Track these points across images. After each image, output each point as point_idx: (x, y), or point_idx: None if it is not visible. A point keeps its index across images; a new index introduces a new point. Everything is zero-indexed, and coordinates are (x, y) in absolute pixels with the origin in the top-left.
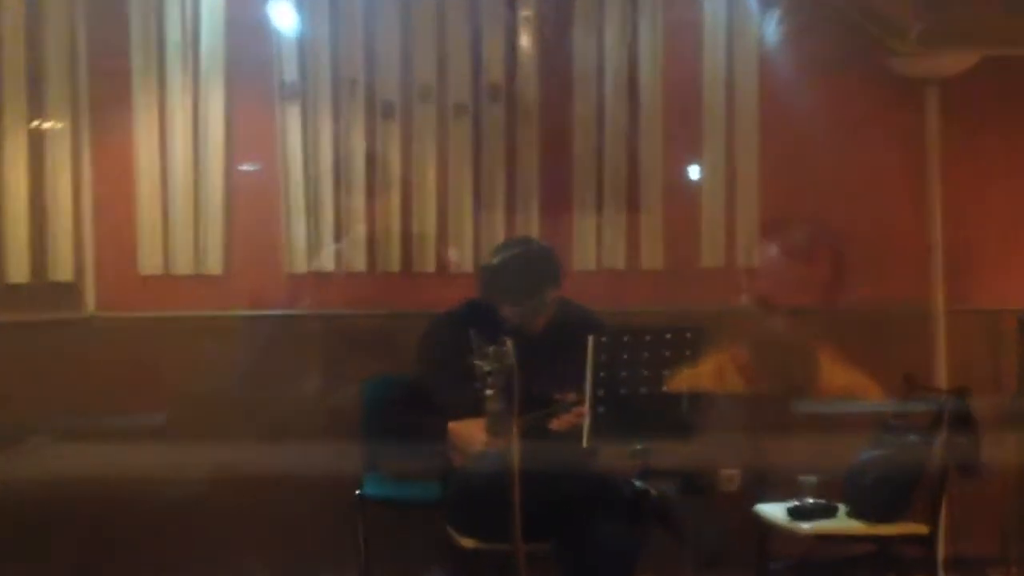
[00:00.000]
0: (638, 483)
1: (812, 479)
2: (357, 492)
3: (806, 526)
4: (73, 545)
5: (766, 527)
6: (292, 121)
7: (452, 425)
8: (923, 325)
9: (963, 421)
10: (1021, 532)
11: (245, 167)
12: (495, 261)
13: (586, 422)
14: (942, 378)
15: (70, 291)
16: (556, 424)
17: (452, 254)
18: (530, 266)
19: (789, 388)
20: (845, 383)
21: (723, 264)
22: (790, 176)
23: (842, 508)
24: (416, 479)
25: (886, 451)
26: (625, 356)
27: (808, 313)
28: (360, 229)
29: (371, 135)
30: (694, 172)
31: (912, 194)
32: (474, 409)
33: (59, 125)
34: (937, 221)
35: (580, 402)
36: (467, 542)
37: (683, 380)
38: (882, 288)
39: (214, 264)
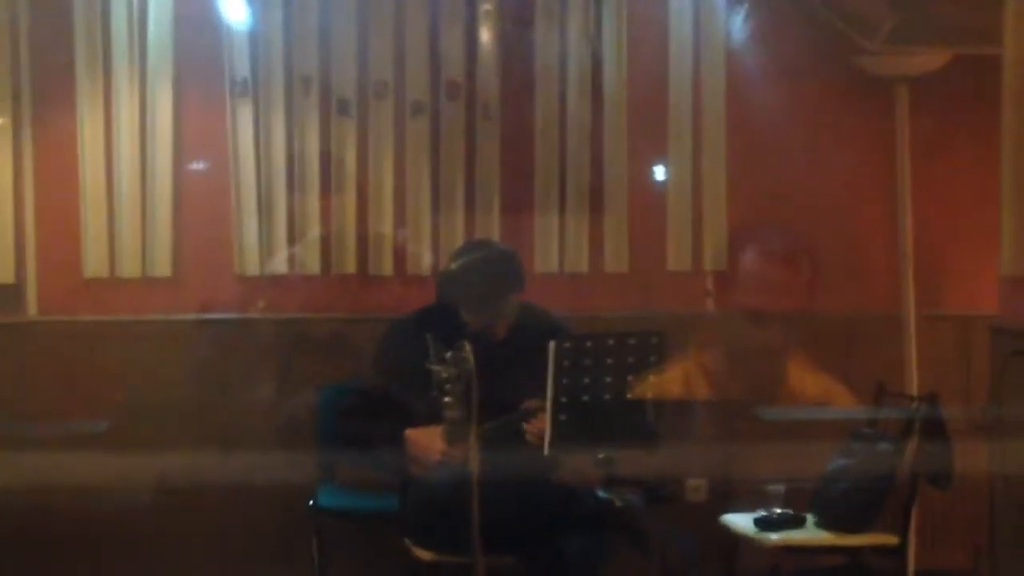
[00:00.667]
0: (602, 493)
1: (780, 488)
2: (311, 502)
3: (774, 537)
4: (9, 556)
5: (733, 538)
6: (244, 118)
7: (409, 433)
8: (894, 331)
9: (934, 429)
10: (992, 543)
11: (195, 166)
12: (455, 266)
13: (547, 430)
14: (913, 385)
15: (11, 294)
16: (529, 429)
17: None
18: (492, 271)
19: (757, 395)
20: (815, 390)
21: (690, 268)
22: (758, 177)
23: (810, 518)
24: (372, 489)
25: (856, 460)
26: (588, 362)
27: (778, 319)
28: (314, 230)
29: (326, 133)
30: (659, 172)
31: (882, 196)
32: (432, 417)
33: None
34: (908, 224)
35: (542, 409)
36: (425, 555)
37: (648, 386)
38: (852, 293)
39: (162, 266)
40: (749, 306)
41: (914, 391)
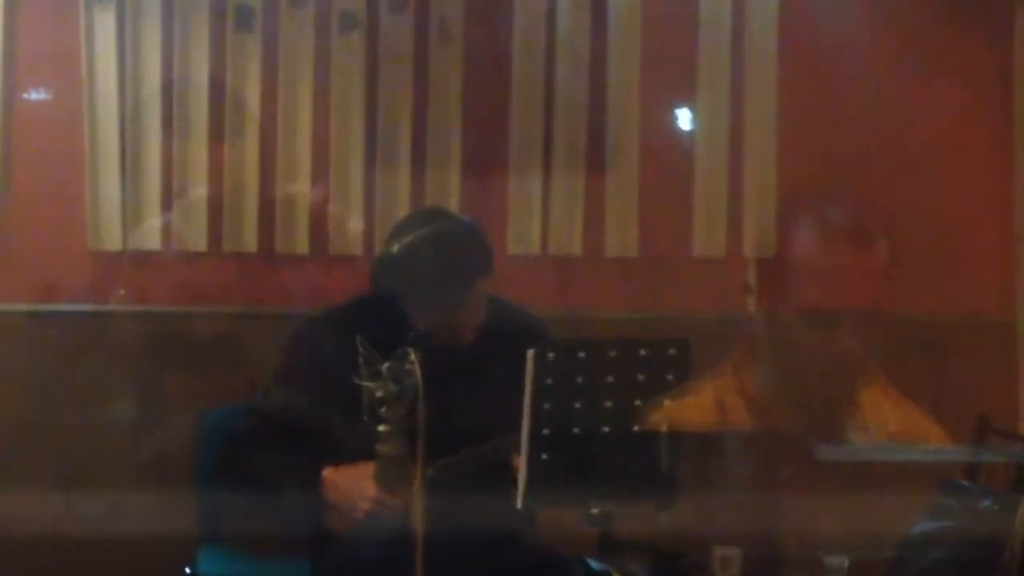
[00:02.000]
0: (595, 563)
1: (843, 561)
2: (187, 569)
3: None
4: None
5: None
6: (103, 32)
7: (328, 474)
8: (1005, 347)
9: None
10: None
11: (31, 96)
12: (398, 245)
13: (522, 473)
14: None
15: None
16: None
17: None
18: (447, 250)
19: (816, 428)
20: (897, 424)
21: (724, 254)
22: (821, 132)
23: None
24: (273, 552)
25: (950, 521)
26: (580, 380)
27: (846, 324)
28: (199, 191)
29: (218, 55)
30: (685, 122)
31: (993, 159)
32: (361, 452)
33: None
34: None
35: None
36: None
37: (664, 415)
38: (948, 291)
39: None
40: (805, 305)
41: None
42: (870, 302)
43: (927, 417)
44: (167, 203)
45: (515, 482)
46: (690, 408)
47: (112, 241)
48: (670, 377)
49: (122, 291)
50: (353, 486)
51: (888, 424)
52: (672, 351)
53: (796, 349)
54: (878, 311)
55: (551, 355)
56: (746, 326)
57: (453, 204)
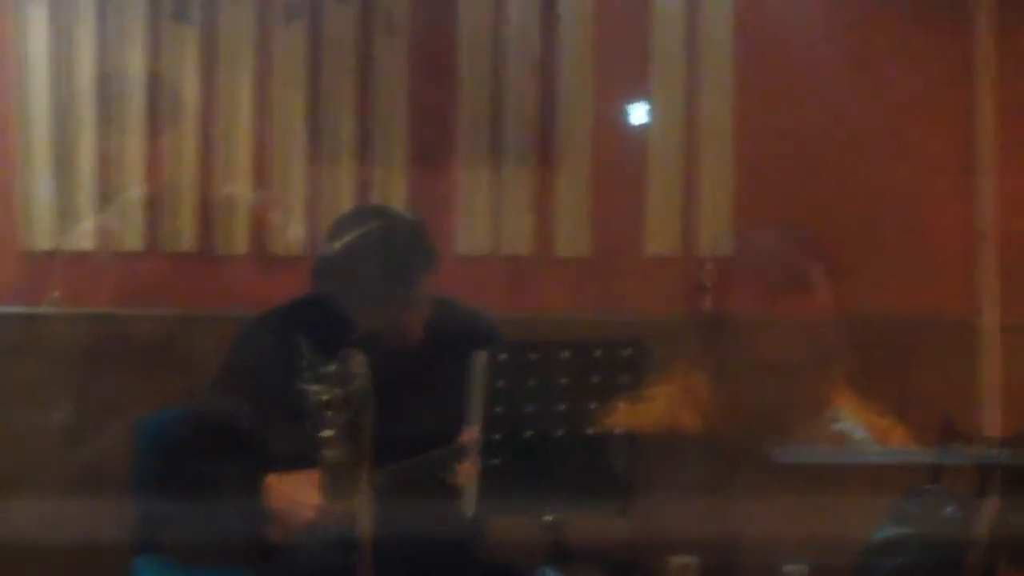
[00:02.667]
0: (550, 572)
1: (802, 569)
2: None
3: None
4: None
5: None
6: (35, 24)
7: (271, 481)
8: (968, 347)
9: (1022, 484)
10: None
11: None
12: (339, 244)
13: (472, 480)
14: (993, 422)
15: None
16: (461, 473)
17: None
18: (391, 249)
19: (774, 432)
20: (866, 425)
21: (679, 251)
22: (778, 130)
23: None
24: (213, 563)
25: (912, 527)
26: (532, 382)
27: (804, 327)
28: (135, 188)
29: (154, 47)
30: (638, 115)
31: (954, 154)
32: (304, 458)
33: None
34: (990, 198)
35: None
36: None
37: (619, 419)
38: (909, 291)
39: None
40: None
41: (995, 430)
42: (815, 313)
43: (893, 422)
44: (102, 201)
45: (460, 492)
46: (641, 415)
47: (45, 240)
48: (625, 379)
49: (56, 292)
50: (296, 493)
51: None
52: (627, 352)
53: (748, 352)
54: (824, 319)
55: (502, 356)
56: (696, 328)
57: (399, 202)
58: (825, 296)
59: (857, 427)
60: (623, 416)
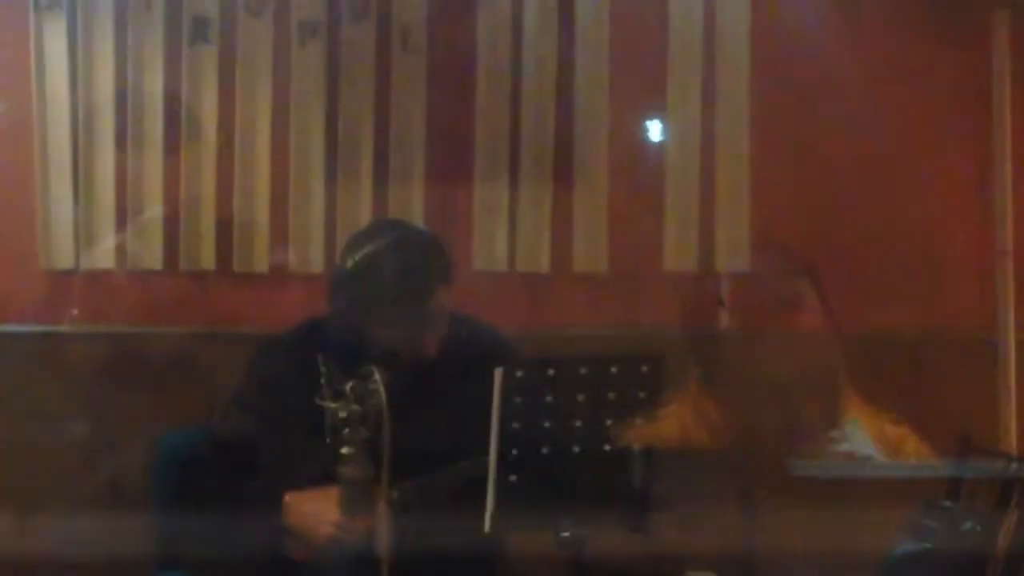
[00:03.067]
0: None
1: None
2: None
3: None
4: None
5: None
6: (54, 42)
7: (290, 499)
8: (985, 363)
9: None
10: None
11: None
12: (357, 257)
13: (489, 496)
14: (1011, 437)
15: None
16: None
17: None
18: (409, 261)
19: (790, 445)
20: (874, 434)
21: (696, 268)
22: (795, 146)
23: None
24: None
25: (930, 543)
26: (549, 398)
27: (817, 343)
28: (155, 208)
29: (173, 67)
30: (655, 132)
31: (972, 167)
32: (323, 476)
33: None
34: (1007, 208)
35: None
36: None
37: (637, 435)
38: (926, 307)
39: None
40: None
41: (1012, 446)
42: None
43: (907, 430)
44: (121, 220)
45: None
46: (651, 432)
47: (64, 260)
48: (642, 395)
49: (75, 311)
50: (315, 510)
51: (868, 439)
52: (644, 368)
53: (762, 366)
54: (828, 333)
55: (519, 373)
56: (708, 344)
57: (416, 219)
58: (816, 313)
59: (866, 443)
60: (642, 432)
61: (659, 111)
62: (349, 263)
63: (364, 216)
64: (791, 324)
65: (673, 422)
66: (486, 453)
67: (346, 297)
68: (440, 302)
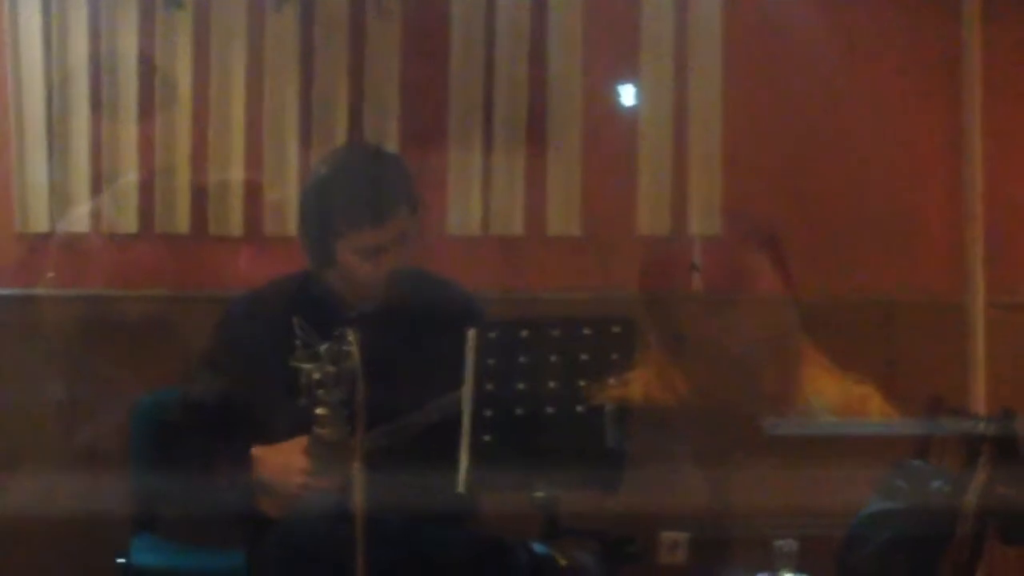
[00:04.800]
0: (540, 547)
1: (791, 544)
2: (121, 560)
3: None
4: None
5: None
6: (28, 7)
7: (258, 452)
8: (955, 327)
9: (1009, 460)
10: None
11: None
12: (324, 168)
13: (463, 456)
14: (980, 398)
15: None
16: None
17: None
18: (377, 166)
19: (756, 407)
20: (835, 395)
21: (669, 231)
22: (767, 111)
23: None
24: (208, 541)
25: (900, 502)
26: (523, 360)
27: (779, 304)
28: (129, 171)
29: (147, 31)
30: (628, 96)
31: (942, 140)
32: (296, 434)
33: None
34: (977, 179)
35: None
36: None
37: (609, 395)
38: (897, 273)
39: None
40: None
41: (981, 407)
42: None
43: (871, 388)
44: (96, 184)
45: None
46: (617, 394)
47: (40, 223)
48: (615, 356)
49: (51, 274)
50: (284, 461)
51: (827, 397)
52: (616, 330)
53: (728, 330)
54: (791, 294)
55: (493, 334)
56: (691, 305)
57: None
58: (776, 280)
59: (823, 409)
60: (614, 394)
61: (632, 76)
62: (322, 169)
63: None
64: (752, 291)
65: (636, 385)
66: (449, 396)
67: (319, 201)
68: (403, 225)
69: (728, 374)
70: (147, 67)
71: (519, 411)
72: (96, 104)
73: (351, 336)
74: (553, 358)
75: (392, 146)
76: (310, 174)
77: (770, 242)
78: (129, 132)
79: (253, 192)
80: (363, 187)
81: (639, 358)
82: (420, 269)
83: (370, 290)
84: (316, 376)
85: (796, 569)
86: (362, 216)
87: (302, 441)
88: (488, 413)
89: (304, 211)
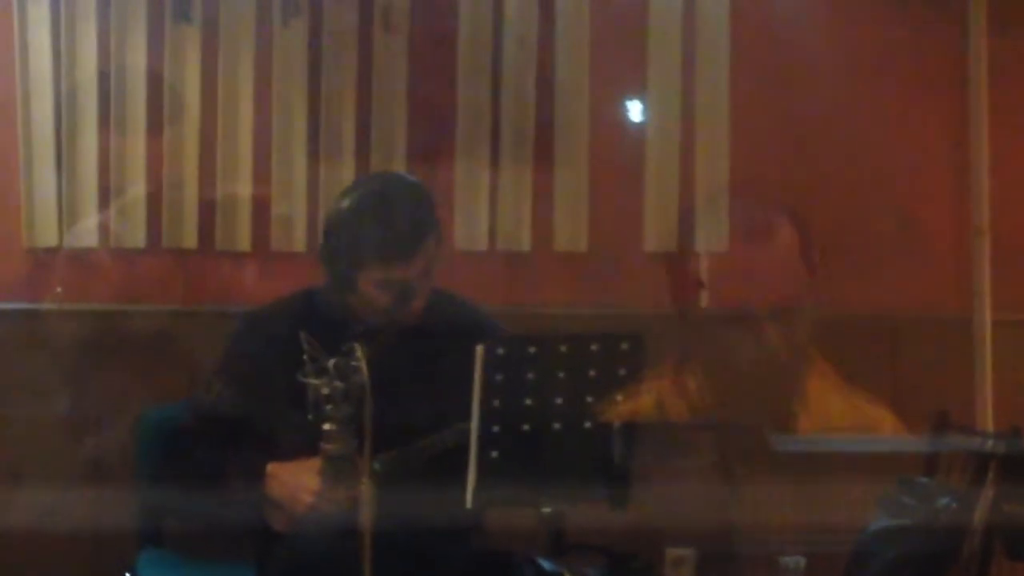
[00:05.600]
0: (547, 563)
1: (799, 561)
2: (127, 575)
3: None
4: None
5: None
6: (37, 22)
7: (272, 469)
8: (961, 342)
9: (1017, 475)
10: None
11: None
12: (346, 201)
13: (471, 472)
14: (987, 415)
15: None
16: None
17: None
18: (403, 201)
19: (765, 422)
20: (843, 412)
21: (675, 247)
22: (774, 126)
23: None
24: (216, 555)
25: (906, 519)
26: (531, 375)
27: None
28: (137, 186)
29: (156, 45)
30: (635, 111)
31: (948, 150)
32: (305, 449)
33: None
34: (984, 191)
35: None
36: None
37: (617, 412)
38: (903, 287)
39: None
40: (738, 302)
41: (988, 423)
42: (789, 299)
43: (879, 405)
44: (104, 199)
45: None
46: (631, 408)
47: (48, 238)
48: (623, 372)
49: (58, 289)
50: (296, 481)
51: (833, 414)
52: (624, 346)
53: (735, 346)
54: (800, 306)
55: (500, 350)
56: (698, 322)
57: None
58: (792, 248)
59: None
60: (622, 409)
61: (639, 91)
62: (344, 203)
63: None
64: (764, 254)
65: (650, 397)
66: (465, 423)
67: (341, 236)
68: (428, 258)
69: (735, 390)
70: (155, 82)
71: (526, 427)
72: (104, 119)
73: (359, 351)
74: (561, 374)
75: (399, 161)
76: (336, 202)
77: (793, 214)
78: (137, 147)
79: (261, 207)
80: (392, 225)
81: (653, 371)
82: (439, 288)
83: (388, 315)
84: (324, 391)
85: None
86: (390, 254)
87: (315, 463)
88: (495, 429)
89: (329, 241)
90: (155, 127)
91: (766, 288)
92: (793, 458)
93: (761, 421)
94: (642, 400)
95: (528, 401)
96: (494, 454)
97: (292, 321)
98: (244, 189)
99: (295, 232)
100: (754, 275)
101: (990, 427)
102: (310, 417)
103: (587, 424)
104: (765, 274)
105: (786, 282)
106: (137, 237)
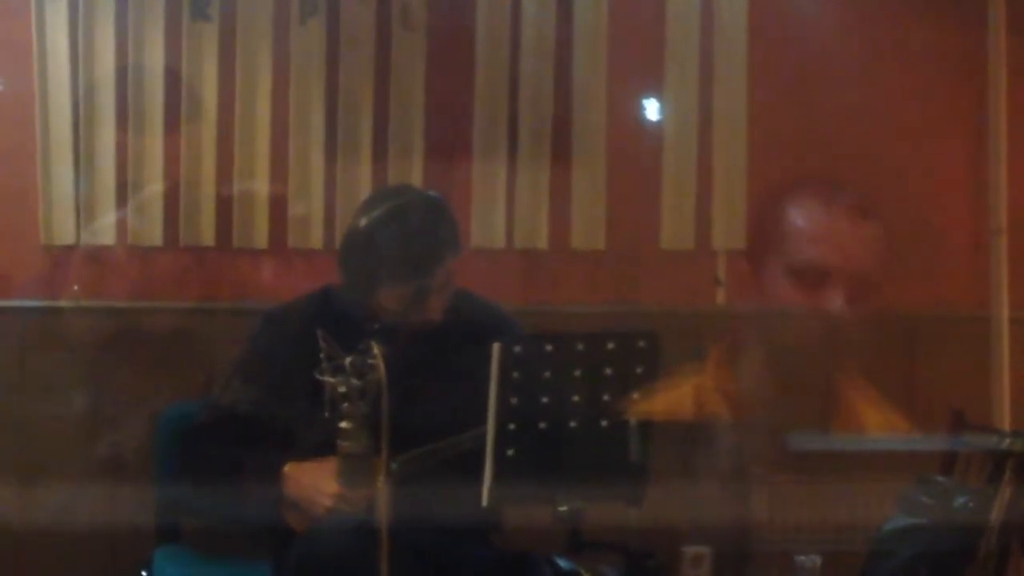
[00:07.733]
0: (564, 562)
1: (815, 560)
2: (143, 572)
3: None
4: None
5: None
6: (55, 19)
7: (290, 469)
8: (979, 341)
9: None
10: None
11: None
12: (365, 220)
13: (487, 470)
14: (1004, 414)
15: None
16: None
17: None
18: (419, 223)
19: (797, 424)
20: (875, 423)
21: (693, 246)
22: (792, 120)
23: None
24: (233, 553)
25: (923, 518)
26: (547, 374)
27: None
28: (155, 184)
29: (174, 43)
30: (653, 110)
31: (967, 149)
32: (323, 446)
33: None
34: (1002, 189)
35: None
36: None
37: (640, 410)
38: (921, 285)
39: None
40: (797, 299)
41: (1005, 422)
42: (851, 305)
43: (903, 420)
44: (121, 196)
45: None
46: (667, 403)
47: (65, 235)
48: (639, 370)
49: (76, 286)
50: (314, 481)
51: (869, 425)
52: (641, 344)
53: (774, 345)
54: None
55: (517, 349)
56: (723, 321)
57: None
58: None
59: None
60: (645, 407)
61: (657, 89)
62: (362, 223)
63: (363, 192)
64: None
65: (688, 397)
66: (484, 427)
67: (358, 257)
68: (449, 269)
69: (761, 390)
70: (173, 79)
71: (543, 425)
72: (121, 116)
73: (376, 349)
74: (577, 372)
75: (416, 159)
76: (355, 218)
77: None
78: (154, 144)
79: (278, 205)
80: (409, 247)
81: (692, 368)
82: (460, 287)
83: (406, 317)
84: (341, 389)
85: None
86: (407, 274)
87: (332, 463)
88: (512, 427)
89: (348, 255)
90: (172, 125)
91: (845, 289)
92: (809, 456)
93: (786, 423)
94: (681, 393)
95: (544, 399)
96: (510, 452)
97: (310, 319)
98: (261, 187)
99: (312, 229)
100: (831, 276)
101: (1007, 426)
102: (327, 415)
103: (603, 422)
104: (845, 273)
105: (866, 282)
106: (154, 234)
